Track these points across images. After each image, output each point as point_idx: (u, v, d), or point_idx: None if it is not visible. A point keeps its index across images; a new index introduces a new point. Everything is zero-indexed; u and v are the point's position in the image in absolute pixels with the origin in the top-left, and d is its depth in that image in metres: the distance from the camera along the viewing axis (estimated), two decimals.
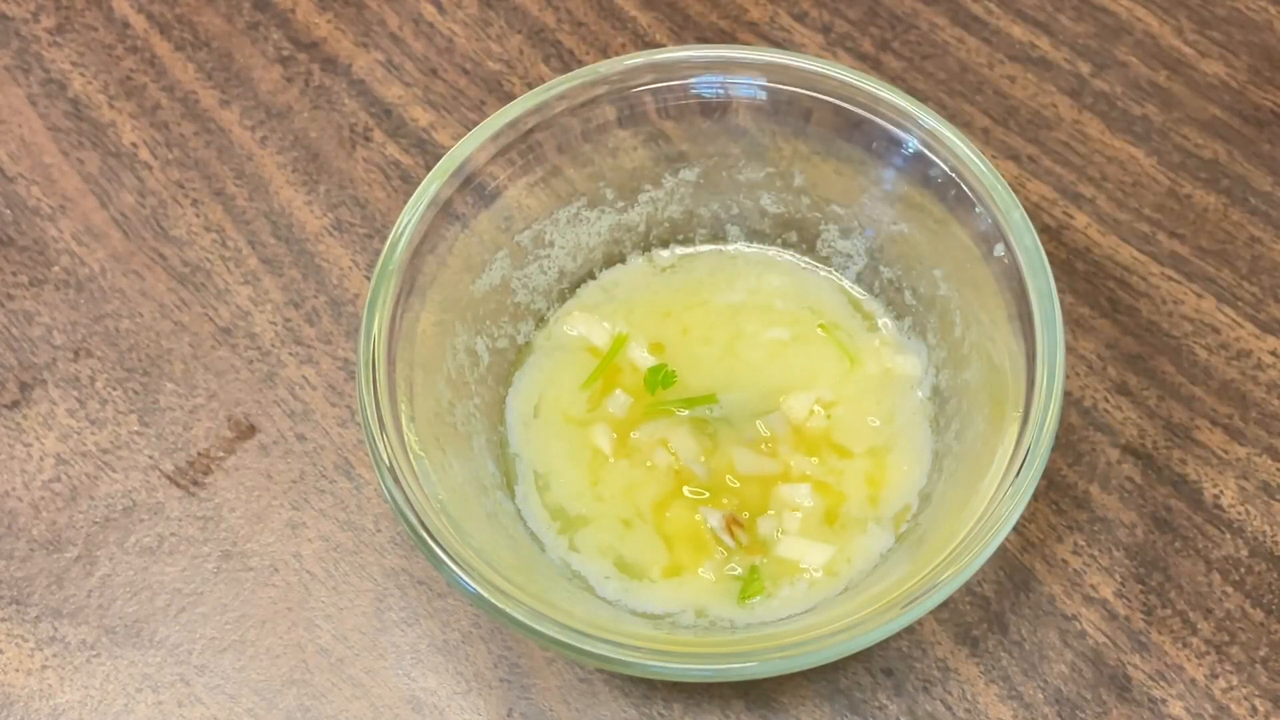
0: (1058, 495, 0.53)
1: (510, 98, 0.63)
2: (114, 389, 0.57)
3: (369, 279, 0.58)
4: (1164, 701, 0.49)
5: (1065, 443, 0.54)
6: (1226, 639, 0.50)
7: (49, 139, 0.64)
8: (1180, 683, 0.50)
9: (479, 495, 0.49)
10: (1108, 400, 0.55)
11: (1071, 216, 0.60)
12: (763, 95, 0.53)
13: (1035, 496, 0.53)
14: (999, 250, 0.49)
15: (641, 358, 0.54)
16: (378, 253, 0.60)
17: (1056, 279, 0.48)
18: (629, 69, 0.52)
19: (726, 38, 0.66)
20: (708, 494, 0.51)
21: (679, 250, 0.57)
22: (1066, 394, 0.55)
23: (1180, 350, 0.57)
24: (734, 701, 0.50)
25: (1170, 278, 0.59)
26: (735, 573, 0.49)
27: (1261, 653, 0.50)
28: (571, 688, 0.50)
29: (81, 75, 0.66)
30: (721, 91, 0.53)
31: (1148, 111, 0.63)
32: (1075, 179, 0.61)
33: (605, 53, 0.66)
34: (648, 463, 0.52)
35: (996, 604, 0.51)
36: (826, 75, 0.52)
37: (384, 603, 0.52)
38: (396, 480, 0.45)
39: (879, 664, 0.50)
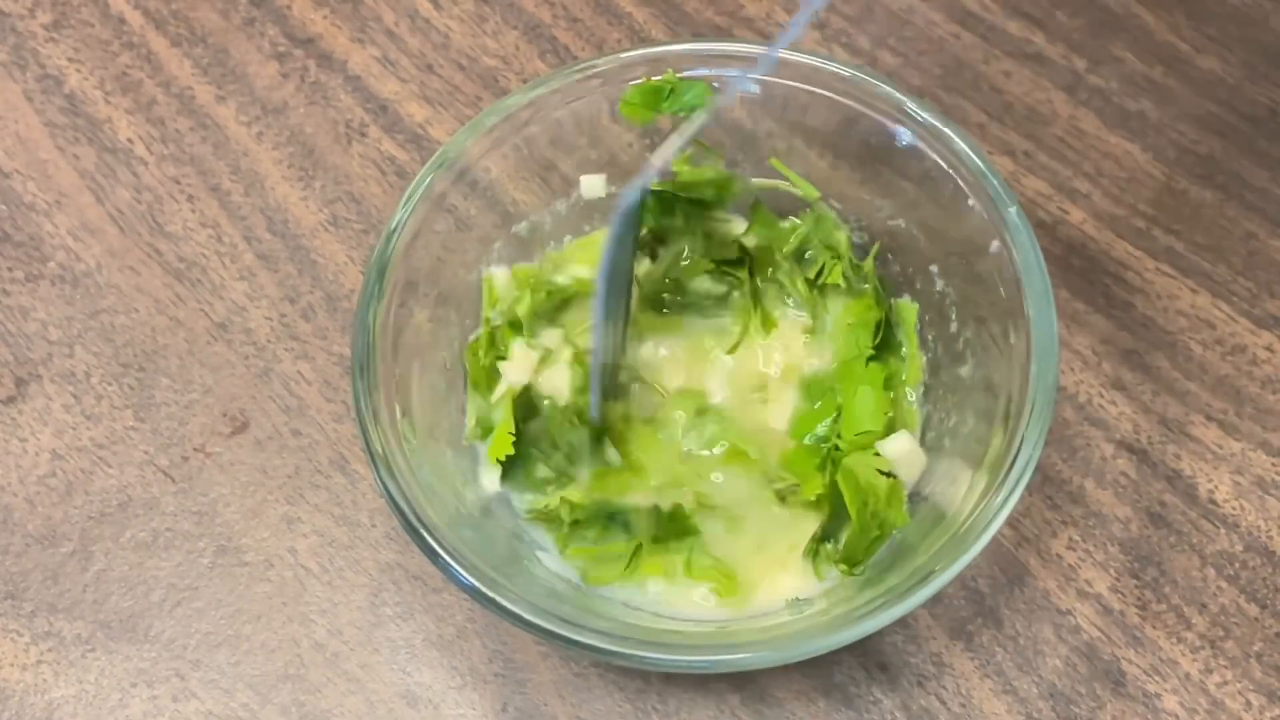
0: (1052, 490, 0.53)
1: (506, 93, 0.63)
2: (109, 384, 0.57)
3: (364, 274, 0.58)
4: (1158, 696, 0.49)
5: (1060, 438, 0.54)
6: (1221, 634, 0.50)
7: (45, 134, 0.64)
8: (1175, 677, 0.50)
9: (474, 488, 0.49)
10: (1102, 395, 0.55)
11: (1067, 212, 0.60)
12: (757, 90, 0.53)
13: (1030, 491, 0.53)
14: (994, 245, 0.49)
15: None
16: (373, 248, 0.60)
17: (1052, 274, 0.48)
18: (623, 63, 0.52)
19: (722, 33, 0.66)
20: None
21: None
22: (1061, 389, 0.55)
23: (1175, 345, 0.57)
24: (729, 696, 0.50)
25: (1165, 273, 0.59)
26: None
27: (1256, 647, 0.50)
28: (566, 682, 0.50)
29: (78, 71, 0.66)
30: (716, 86, 0.53)
31: (1143, 107, 0.63)
32: (1071, 174, 0.61)
33: (601, 48, 0.66)
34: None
35: (991, 599, 0.51)
36: (822, 70, 0.52)
37: (379, 597, 0.52)
38: (391, 473, 0.45)
39: (873, 658, 0.50)
